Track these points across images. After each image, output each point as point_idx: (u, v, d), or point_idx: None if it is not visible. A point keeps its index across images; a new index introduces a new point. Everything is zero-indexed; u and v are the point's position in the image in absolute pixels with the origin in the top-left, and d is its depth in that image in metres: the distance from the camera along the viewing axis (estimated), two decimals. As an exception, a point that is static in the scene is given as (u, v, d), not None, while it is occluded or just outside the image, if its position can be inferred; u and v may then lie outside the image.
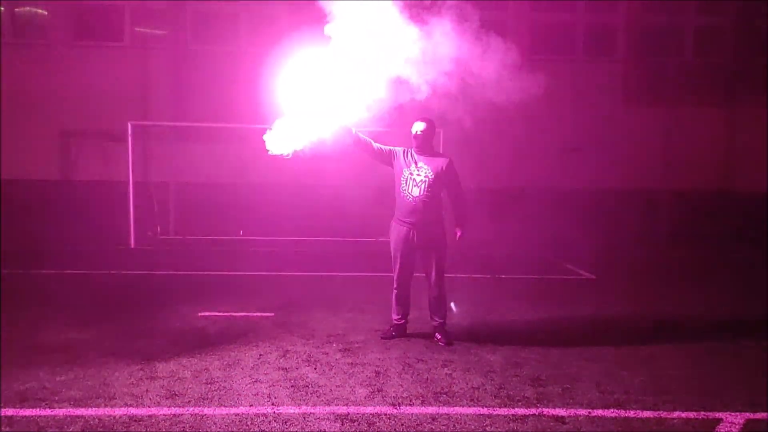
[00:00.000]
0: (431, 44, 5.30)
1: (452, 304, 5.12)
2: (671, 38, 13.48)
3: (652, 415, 4.16)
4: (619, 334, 6.14)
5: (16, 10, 12.79)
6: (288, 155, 5.49)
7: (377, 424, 3.94)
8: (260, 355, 5.25)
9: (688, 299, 7.92)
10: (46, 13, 12.80)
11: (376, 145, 5.66)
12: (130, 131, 11.54)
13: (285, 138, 5.44)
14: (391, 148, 5.68)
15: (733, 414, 4.19)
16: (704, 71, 13.37)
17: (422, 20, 5.31)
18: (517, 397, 4.43)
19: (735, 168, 13.37)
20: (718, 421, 4.09)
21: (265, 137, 5.46)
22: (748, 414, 4.20)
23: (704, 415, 4.19)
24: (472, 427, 3.94)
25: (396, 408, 4.19)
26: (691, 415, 4.18)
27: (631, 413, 4.19)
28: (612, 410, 4.23)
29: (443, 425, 3.94)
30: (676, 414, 4.18)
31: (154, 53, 12.78)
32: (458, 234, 5.71)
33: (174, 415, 4.01)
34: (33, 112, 12.31)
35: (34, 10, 12.93)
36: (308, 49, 5.46)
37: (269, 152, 5.47)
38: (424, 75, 5.36)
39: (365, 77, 5.34)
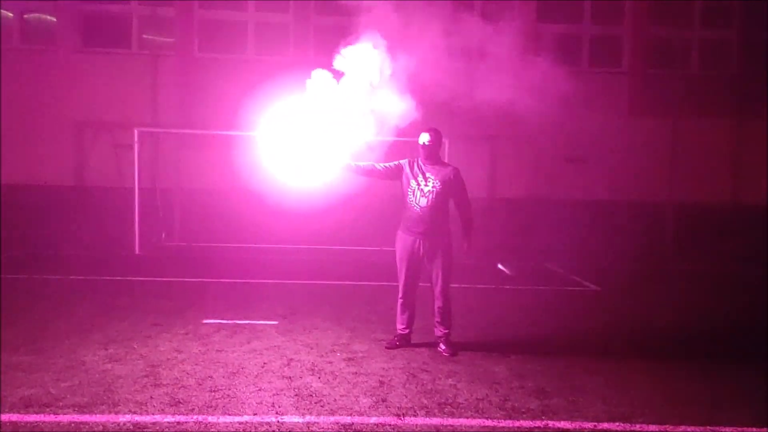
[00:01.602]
0: (442, 55, 5.35)
1: (501, 266, 5.11)
2: (677, 50, 13.47)
3: (658, 429, 4.14)
4: (625, 347, 6.12)
5: (25, 16, 12.87)
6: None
7: (381, 434, 3.93)
8: (264, 363, 5.24)
9: (695, 312, 7.89)
10: (54, 19, 12.88)
11: (379, 166, 5.69)
12: (136, 138, 11.58)
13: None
14: (397, 162, 5.70)
15: (739, 428, 4.17)
16: (710, 83, 13.36)
17: (432, 26, 5.36)
18: (522, 409, 4.41)
19: (741, 181, 13.33)
20: (725, 435, 4.08)
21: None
22: (754, 429, 4.18)
23: (710, 429, 4.16)
24: (477, 438, 3.92)
25: (400, 419, 4.17)
26: (698, 429, 4.16)
27: (637, 427, 4.17)
28: (618, 423, 4.21)
29: (448, 436, 3.93)
30: (682, 428, 4.16)
31: (161, 60, 12.84)
32: (465, 244, 5.71)
33: (178, 422, 4.01)
34: (40, 118, 12.37)
35: (42, 16, 13.01)
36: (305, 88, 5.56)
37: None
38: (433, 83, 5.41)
39: (367, 98, 5.44)
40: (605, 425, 4.18)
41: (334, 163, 5.62)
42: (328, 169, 5.63)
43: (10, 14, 12.66)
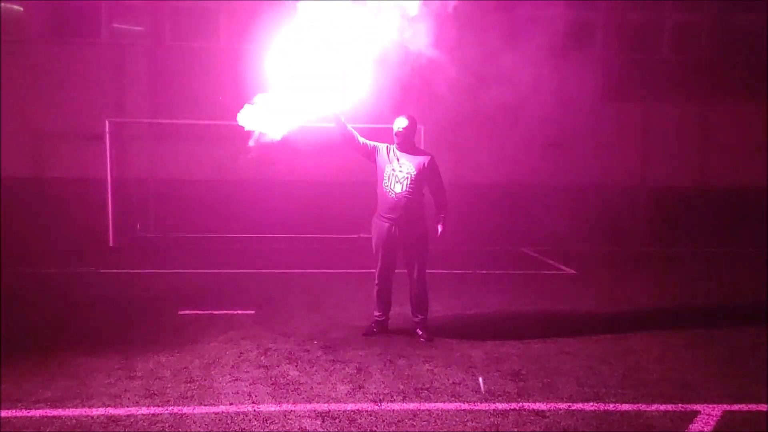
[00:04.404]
0: (416, 31, 5.31)
1: (481, 381, 4.85)
2: (649, 35, 13.59)
3: (630, 408, 4.20)
4: (599, 329, 6.18)
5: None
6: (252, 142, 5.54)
7: (358, 421, 3.94)
8: (240, 353, 5.22)
9: (666, 293, 8.01)
10: (21, 9, 12.59)
11: (360, 138, 5.65)
12: (107, 128, 11.41)
13: (261, 118, 5.45)
14: (375, 143, 5.68)
15: (710, 406, 4.24)
16: (682, 67, 13.50)
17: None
18: (498, 392, 4.44)
19: (711, 164, 13.53)
20: (696, 413, 4.14)
21: (242, 113, 5.46)
22: (725, 406, 4.25)
23: (682, 407, 4.23)
24: (454, 422, 3.94)
25: (377, 404, 4.18)
26: (670, 407, 4.22)
27: (611, 406, 4.22)
28: (591, 404, 4.26)
29: (424, 421, 3.94)
30: (654, 407, 4.22)
31: (131, 49, 12.63)
32: (440, 230, 5.71)
33: (153, 414, 3.97)
34: (8, 109, 12.11)
35: (9, 5, 12.71)
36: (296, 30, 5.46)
37: (242, 125, 5.47)
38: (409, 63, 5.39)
39: (350, 59, 5.37)
40: (579, 405, 4.23)
41: (326, 107, 5.49)
42: (318, 109, 5.51)
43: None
